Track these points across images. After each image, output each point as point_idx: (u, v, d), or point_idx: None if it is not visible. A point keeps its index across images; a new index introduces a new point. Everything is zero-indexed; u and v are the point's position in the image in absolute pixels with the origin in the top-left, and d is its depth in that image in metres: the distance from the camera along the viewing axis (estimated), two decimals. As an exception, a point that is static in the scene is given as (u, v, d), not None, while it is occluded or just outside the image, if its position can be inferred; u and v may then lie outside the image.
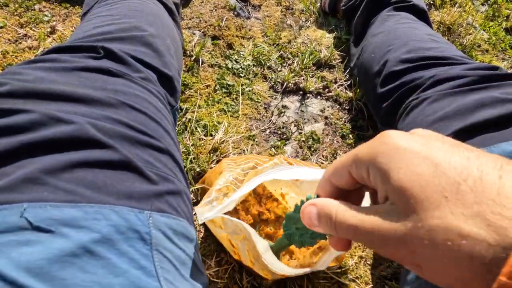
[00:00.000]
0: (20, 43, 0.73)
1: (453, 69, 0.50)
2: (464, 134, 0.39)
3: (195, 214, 0.54)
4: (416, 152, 0.18)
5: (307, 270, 0.41)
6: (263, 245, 0.39)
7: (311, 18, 0.98)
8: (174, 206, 0.34)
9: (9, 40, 0.73)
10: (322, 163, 0.64)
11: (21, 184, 0.25)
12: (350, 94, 0.75)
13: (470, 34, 0.90)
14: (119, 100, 0.36)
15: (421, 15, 0.73)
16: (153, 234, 0.29)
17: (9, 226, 0.23)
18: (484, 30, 0.93)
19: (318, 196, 0.26)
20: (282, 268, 0.40)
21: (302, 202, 0.28)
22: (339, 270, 0.50)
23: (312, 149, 0.66)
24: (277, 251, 0.40)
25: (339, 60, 0.85)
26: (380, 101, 0.60)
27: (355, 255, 0.52)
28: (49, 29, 0.77)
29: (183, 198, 0.37)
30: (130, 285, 0.26)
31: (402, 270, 0.44)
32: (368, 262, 0.51)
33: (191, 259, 0.35)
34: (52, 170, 0.27)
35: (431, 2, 1.02)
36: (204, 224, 0.53)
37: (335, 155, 0.65)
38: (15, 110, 0.29)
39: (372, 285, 0.49)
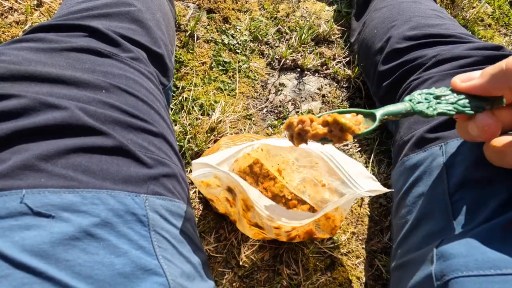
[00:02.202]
0: (6, 17, 0.70)
1: (456, 48, 0.49)
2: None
3: (193, 192, 0.56)
4: None
5: (307, 214, 0.38)
6: (255, 193, 0.38)
7: (310, -11, 0.94)
8: (169, 188, 0.35)
9: (-5, 14, 0.70)
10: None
11: (18, 171, 0.25)
12: (349, 72, 0.74)
13: (473, 7, 0.87)
14: (109, 83, 0.35)
15: (425, -13, 0.70)
16: (150, 216, 0.30)
17: (10, 211, 0.24)
18: (488, 3, 0.90)
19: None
20: (279, 212, 0.38)
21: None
22: (332, 245, 0.52)
23: (309, 128, 0.66)
24: (384, 115, 0.29)
25: (339, 35, 0.83)
26: (381, 79, 0.59)
27: (348, 231, 0.54)
28: (35, 2, 0.74)
29: (179, 179, 0.37)
30: (131, 264, 0.27)
31: (392, 244, 0.46)
32: (360, 238, 0.54)
33: (189, 237, 0.36)
34: (47, 156, 0.27)
35: (436, -28, 0.97)
36: (202, 202, 0.55)
37: (331, 134, 0.66)
38: (3, 95, 0.29)
39: (363, 259, 0.52)
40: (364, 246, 0.53)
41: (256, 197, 0.37)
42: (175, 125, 0.62)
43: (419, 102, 0.29)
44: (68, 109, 0.30)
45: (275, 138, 0.48)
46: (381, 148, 0.64)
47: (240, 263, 0.50)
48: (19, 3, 0.72)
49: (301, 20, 0.85)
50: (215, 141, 0.61)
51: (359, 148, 0.64)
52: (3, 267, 0.22)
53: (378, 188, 0.40)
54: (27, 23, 0.69)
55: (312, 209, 0.51)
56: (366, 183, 0.41)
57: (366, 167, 0.62)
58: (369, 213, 0.56)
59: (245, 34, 0.80)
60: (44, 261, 0.23)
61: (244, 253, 0.51)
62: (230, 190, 0.43)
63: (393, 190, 0.46)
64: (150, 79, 0.44)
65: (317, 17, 0.86)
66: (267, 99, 0.70)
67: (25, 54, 0.34)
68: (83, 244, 0.25)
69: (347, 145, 0.65)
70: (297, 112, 0.68)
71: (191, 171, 0.57)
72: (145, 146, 0.34)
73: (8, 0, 0.72)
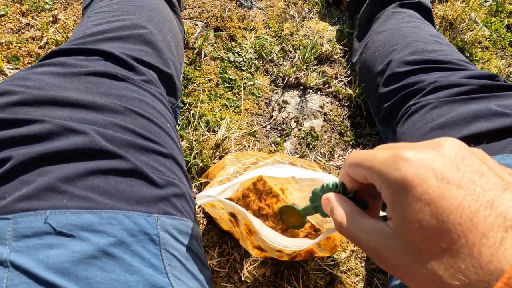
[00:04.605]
0: (23, 33, 0.73)
1: (453, 75, 0.51)
2: None
3: (198, 207, 0.57)
4: (429, 192, 0.19)
5: (307, 241, 0.42)
6: (257, 222, 0.42)
7: (314, 9, 0.97)
8: (178, 208, 0.37)
9: (11, 29, 0.74)
10: (320, 160, 0.66)
11: (42, 193, 0.27)
12: (350, 91, 0.76)
13: (471, 30, 0.90)
14: (124, 106, 0.38)
15: (426, 13, 0.74)
16: (161, 235, 0.32)
17: (35, 231, 0.26)
18: (485, 26, 0.93)
19: (342, 184, 0.27)
20: (280, 240, 0.41)
21: (329, 185, 0.30)
22: (332, 263, 0.53)
23: (311, 146, 0.68)
24: (304, 215, 0.42)
25: (341, 55, 0.85)
26: (381, 101, 0.61)
27: (347, 249, 0.55)
28: (51, 18, 0.77)
29: (187, 199, 0.39)
30: (144, 282, 0.29)
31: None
32: (359, 256, 0.55)
33: (196, 255, 0.38)
34: (68, 178, 0.29)
35: (436, -5, 1.00)
36: (206, 217, 0.56)
37: (332, 152, 0.68)
38: (29, 120, 0.31)
39: (361, 277, 0.53)
40: (363, 264, 0.54)
41: (258, 226, 0.39)
42: (182, 140, 0.64)
43: (318, 206, 0.34)
44: (87, 134, 0.32)
45: (275, 165, 0.50)
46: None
47: (242, 279, 0.51)
48: (36, 20, 0.76)
49: (305, 39, 0.88)
50: (220, 157, 0.63)
51: (359, 166, 0.66)
52: (30, 284, 0.23)
53: None
54: (43, 39, 0.72)
55: (313, 227, 0.52)
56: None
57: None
58: (368, 231, 0.58)
59: (250, 52, 0.82)
60: (66, 279, 0.25)
61: (247, 268, 0.52)
62: (232, 215, 0.45)
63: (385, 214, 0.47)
64: (161, 100, 0.46)
65: (320, 37, 0.89)
66: (271, 116, 0.72)
67: (48, 78, 0.37)
68: (101, 262, 0.27)
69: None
70: (299, 129, 0.71)
71: (196, 186, 0.59)
72: (157, 167, 0.36)
73: (25, 17, 0.76)
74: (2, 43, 0.70)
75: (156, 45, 0.52)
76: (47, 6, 0.79)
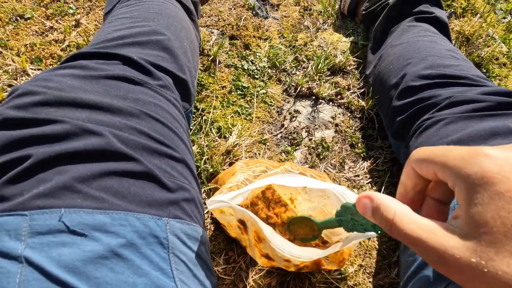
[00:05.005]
0: (47, 35, 0.76)
1: (470, 91, 0.51)
2: None
3: (205, 212, 0.58)
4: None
5: (318, 251, 0.42)
6: (268, 230, 0.41)
7: (328, 20, 0.98)
8: (188, 213, 0.37)
9: (36, 32, 0.77)
10: (330, 171, 0.66)
11: (58, 191, 0.28)
12: (362, 103, 0.76)
13: (488, 46, 0.89)
14: (140, 110, 0.39)
15: (442, 27, 0.73)
16: (170, 239, 0.32)
17: (49, 228, 0.26)
18: (503, 43, 0.92)
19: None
20: (290, 249, 0.41)
21: None
22: (339, 277, 0.52)
23: (321, 157, 0.68)
24: (322, 228, 0.41)
25: (354, 66, 0.85)
26: (395, 114, 0.60)
27: (355, 263, 0.54)
28: (73, 22, 0.80)
29: (196, 204, 0.40)
30: (151, 285, 0.29)
31: (399, 281, 0.46)
32: (367, 271, 0.54)
33: (203, 261, 0.38)
34: (84, 178, 0.30)
35: (453, 11, 1.00)
36: (214, 223, 0.56)
37: (343, 164, 0.67)
38: (50, 120, 0.32)
39: (369, 292, 0.52)
40: (371, 280, 0.53)
41: (269, 234, 0.39)
42: (193, 145, 0.64)
43: (344, 220, 0.34)
44: (104, 135, 0.33)
45: (285, 174, 0.50)
46: (391, 181, 0.65)
47: (248, 287, 0.51)
48: (59, 23, 0.79)
49: (318, 49, 0.89)
50: (230, 164, 0.63)
51: (370, 180, 0.65)
52: (42, 280, 0.24)
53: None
54: (65, 42, 0.75)
55: (322, 239, 0.52)
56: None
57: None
58: (377, 247, 0.56)
59: (264, 61, 0.83)
60: (77, 277, 0.25)
61: (252, 277, 0.52)
62: (241, 222, 0.45)
63: None
64: (175, 105, 0.47)
65: (334, 48, 0.90)
66: (282, 125, 0.72)
67: (69, 80, 0.38)
68: (111, 263, 0.27)
69: (358, 175, 0.66)
70: (310, 139, 0.71)
71: (205, 192, 0.59)
72: (168, 171, 0.37)
73: (49, 20, 0.79)
74: (27, 44, 0.73)
75: (173, 51, 0.53)
76: (71, 11, 0.82)
